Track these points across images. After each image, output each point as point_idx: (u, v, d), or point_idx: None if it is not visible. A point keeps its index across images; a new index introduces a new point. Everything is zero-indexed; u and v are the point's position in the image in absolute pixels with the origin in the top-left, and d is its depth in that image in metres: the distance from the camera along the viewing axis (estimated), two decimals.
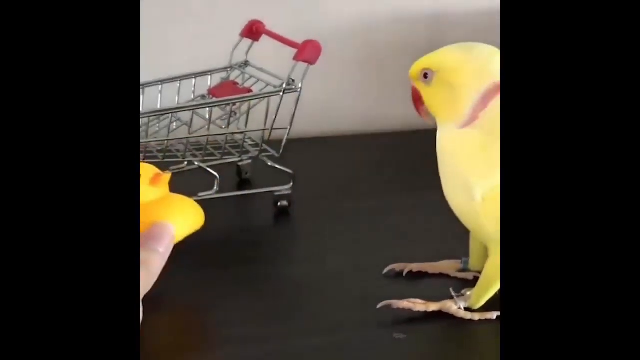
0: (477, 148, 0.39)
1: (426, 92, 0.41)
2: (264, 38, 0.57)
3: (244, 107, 0.53)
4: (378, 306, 0.43)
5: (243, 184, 0.60)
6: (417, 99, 0.42)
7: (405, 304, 0.42)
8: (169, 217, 0.41)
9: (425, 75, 0.40)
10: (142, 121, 0.51)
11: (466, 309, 0.43)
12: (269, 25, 0.57)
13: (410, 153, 0.62)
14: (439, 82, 0.40)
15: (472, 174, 0.40)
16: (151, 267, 0.36)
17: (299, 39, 0.52)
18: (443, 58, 0.40)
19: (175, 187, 0.53)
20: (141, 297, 0.34)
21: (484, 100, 0.39)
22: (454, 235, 0.47)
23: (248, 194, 0.57)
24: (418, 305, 0.42)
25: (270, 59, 0.54)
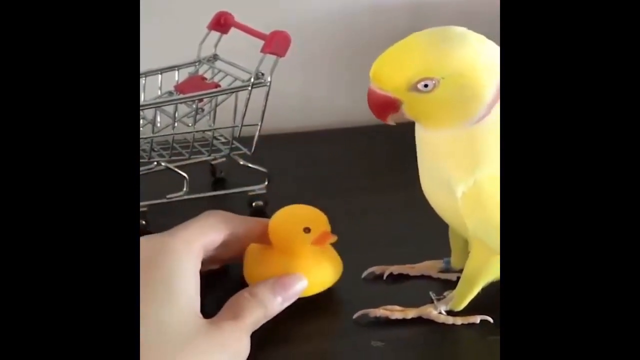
0: (466, 144, 0.36)
1: (420, 101, 0.35)
2: (235, 30, 0.54)
3: (212, 103, 0.51)
4: (354, 316, 0.41)
5: (217, 183, 0.58)
6: (390, 109, 0.36)
7: (382, 312, 0.41)
8: (308, 272, 0.41)
9: (426, 85, 0.34)
10: None
11: (448, 313, 0.41)
12: (241, 17, 0.54)
13: (389, 148, 0.60)
14: (447, 88, 0.34)
15: (455, 171, 0.37)
16: (268, 309, 0.38)
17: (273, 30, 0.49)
18: (448, 62, 0.34)
19: (144, 188, 0.51)
20: (251, 331, 0.37)
21: (498, 94, 0.35)
22: (436, 234, 0.45)
23: (221, 195, 0.54)
24: (396, 312, 0.41)
25: (242, 52, 0.51)
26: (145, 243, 0.37)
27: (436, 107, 0.35)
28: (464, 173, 0.36)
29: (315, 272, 0.42)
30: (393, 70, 0.35)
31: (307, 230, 0.41)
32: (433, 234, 0.45)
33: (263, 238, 0.43)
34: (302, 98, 0.70)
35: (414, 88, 0.34)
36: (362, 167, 0.62)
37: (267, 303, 0.38)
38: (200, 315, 0.36)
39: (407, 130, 0.39)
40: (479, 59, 0.34)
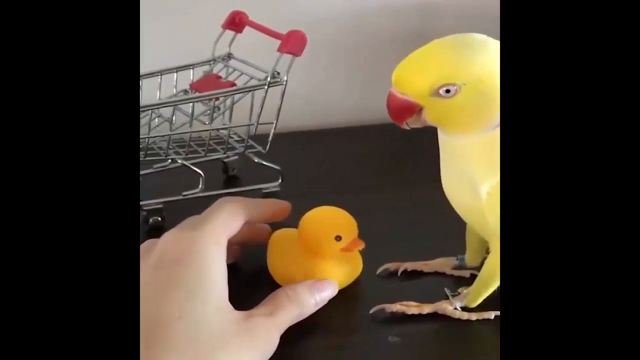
0: (488, 148, 0.36)
1: (441, 106, 0.35)
2: (248, 29, 0.55)
3: (228, 101, 0.51)
4: (371, 311, 0.42)
5: (230, 181, 0.58)
6: (408, 113, 0.36)
7: (398, 307, 0.41)
8: (332, 273, 0.43)
9: (448, 91, 0.35)
10: None
11: (463, 309, 0.42)
12: (253, 16, 0.55)
13: (401, 145, 0.60)
14: (468, 94, 0.35)
15: (480, 171, 0.37)
16: (304, 309, 0.40)
17: (285, 30, 0.50)
18: (469, 68, 0.35)
19: (160, 186, 0.52)
20: (284, 328, 0.38)
21: None
22: (449, 231, 0.45)
23: (235, 192, 0.55)
24: (412, 308, 0.41)
25: (255, 51, 0.52)
26: (174, 239, 0.38)
27: (457, 113, 0.36)
28: (488, 174, 0.37)
29: (339, 273, 0.43)
30: (416, 76, 0.35)
31: (338, 238, 0.42)
32: (444, 231, 0.45)
33: (275, 217, 0.45)
34: (311, 96, 0.70)
35: (435, 93, 0.35)
36: (374, 165, 0.62)
37: (304, 303, 0.40)
38: (231, 307, 0.36)
39: (417, 130, 0.40)
40: (498, 66, 0.34)
